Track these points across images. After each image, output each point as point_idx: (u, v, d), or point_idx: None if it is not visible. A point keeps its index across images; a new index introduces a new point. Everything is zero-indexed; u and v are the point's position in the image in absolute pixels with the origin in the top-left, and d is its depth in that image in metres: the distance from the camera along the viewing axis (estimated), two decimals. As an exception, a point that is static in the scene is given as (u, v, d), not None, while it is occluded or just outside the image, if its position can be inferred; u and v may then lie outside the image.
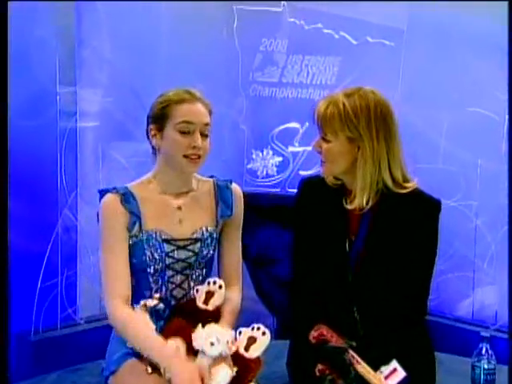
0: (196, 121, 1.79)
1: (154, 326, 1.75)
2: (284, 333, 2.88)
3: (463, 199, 3.08)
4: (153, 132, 1.83)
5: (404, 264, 1.80)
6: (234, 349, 1.71)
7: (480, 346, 1.86)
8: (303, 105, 3.22)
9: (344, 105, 1.76)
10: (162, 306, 1.80)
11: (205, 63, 3.19)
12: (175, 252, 1.85)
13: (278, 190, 3.33)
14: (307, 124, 3.24)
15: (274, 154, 3.34)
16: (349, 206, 1.83)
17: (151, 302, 1.79)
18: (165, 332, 1.75)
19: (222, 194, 1.91)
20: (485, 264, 3.04)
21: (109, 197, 1.82)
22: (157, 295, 1.82)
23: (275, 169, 3.34)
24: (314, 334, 1.75)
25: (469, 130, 3.00)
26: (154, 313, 1.79)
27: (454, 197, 3.07)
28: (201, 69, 3.18)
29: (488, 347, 1.87)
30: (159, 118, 1.81)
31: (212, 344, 1.68)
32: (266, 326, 1.78)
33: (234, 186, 1.94)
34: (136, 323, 1.74)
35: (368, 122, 1.76)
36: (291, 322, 1.92)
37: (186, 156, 1.79)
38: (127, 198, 1.82)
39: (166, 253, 1.84)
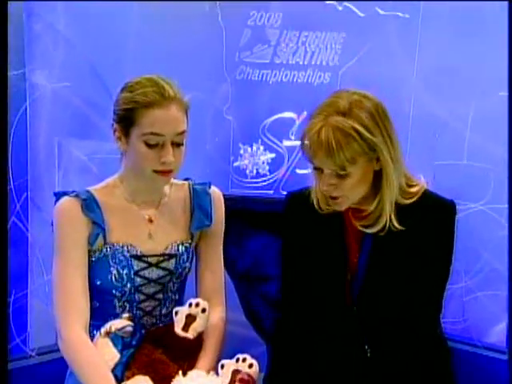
0: (166, 132, 1.75)
1: (115, 360, 1.73)
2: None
3: (492, 202, 3.07)
4: (117, 133, 1.81)
5: (419, 282, 1.81)
6: None
7: (514, 377, 1.86)
8: (300, 90, 3.20)
9: (352, 126, 1.75)
10: (130, 328, 1.79)
11: (182, 42, 3.17)
12: (146, 271, 1.84)
13: (270, 192, 3.32)
14: (305, 113, 3.22)
15: (265, 150, 3.32)
16: (370, 230, 1.83)
17: (118, 324, 1.78)
18: (134, 363, 1.73)
19: (199, 201, 1.91)
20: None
21: (67, 201, 1.80)
22: (126, 315, 1.81)
23: (267, 167, 3.32)
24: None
25: (499, 120, 2.99)
26: (119, 339, 1.77)
27: (482, 199, 3.07)
28: (178, 48, 3.16)
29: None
30: (123, 120, 1.78)
31: None
32: (256, 356, 1.77)
33: (213, 190, 1.94)
34: (92, 357, 1.72)
35: (380, 131, 1.79)
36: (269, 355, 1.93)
37: (156, 171, 1.78)
38: (89, 204, 1.80)
39: (136, 271, 1.83)
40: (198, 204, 1.91)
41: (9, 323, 2.89)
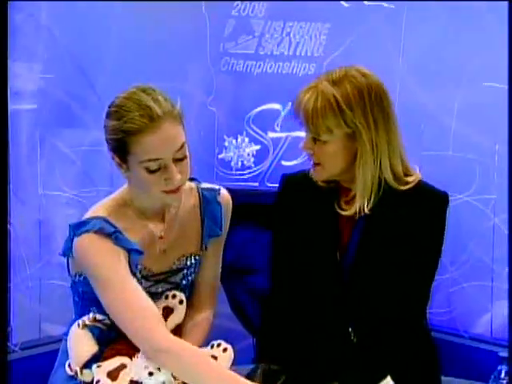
0: (164, 154, 1.69)
1: (92, 351, 1.73)
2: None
3: (478, 193, 3.09)
4: (116, 160, 1.75)
5: (407, 271, 1.83)
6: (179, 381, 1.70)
7: (499, 368, 1.87)
8: (285, 81, 3.21)
9: (335, 97, 1.77)
10: (108, 321, 1.79)
11: (165, 32, 3.17)
12: (153, 287, 1.83)
13: (255, 184, 3.32)
14: (290, 104, 3.23)
15: (250, 142, 3.33)
16: (345, 212, 1.84)
17: (97, 316, 1.79)
18: (107, 352, 1.74)
19: (209, 209, 1.87)
20: (506, 270, 3.06)
21: (90, 237, 1.73)
22: (91, 314, 1.80)
23: (252, 159, 3.33)
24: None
25: (485, 110, 3.01)
26: (98, 331, 1.78)
27: (468, 190, 3.09)
28: (160, 39, 3.16)
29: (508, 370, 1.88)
30: (118, 150, 1.73)
31: (151, 374, 1.66)
32: (243, 349, 1.78)
33: (223, 196, 1.90)
34: (199, 358, 1.68)
35: (365, 112, 1.79)
36: (257, 343, 1.94)
37: (164, 191, 1.74)
38: (118, 237, 1.75)
39: (143, 289, 1.82)
40: (209, 213, 1.88)
41: (7, 319, 2.88)
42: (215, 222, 1.88)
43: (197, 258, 1.88)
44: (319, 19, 3.24)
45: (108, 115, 1.75)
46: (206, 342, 1.87)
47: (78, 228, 1.75)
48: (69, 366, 1.77)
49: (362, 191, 1.81)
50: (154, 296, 1.83)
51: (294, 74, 3.24)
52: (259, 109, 3.30)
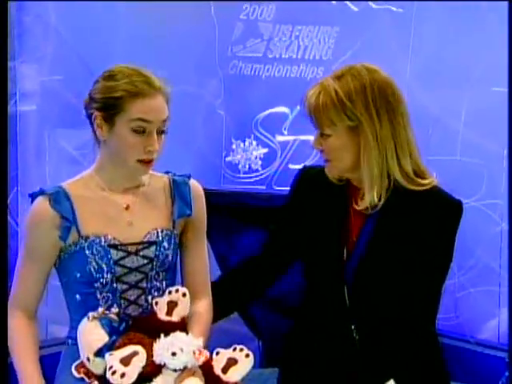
0: (154, 119, 1.80)
1: (104, 341, 1.76)
2: (271, 359, 2.88)
3: (486, 198, 3.10)
4: (98, 121, 1.82)
5: (415, 276, 1.83)
6: (202, 359, 1.72)
7: (506, 374, 1.88)
8: (293, 85, 3.21)
9: (335, 90, 1.79)
10: (114, 317, 1.81)
11: (173, 35, 3.18)
12: (126, 259, 1.86)
13: (263, 187, 3.33)
14: (298, 108, 3.24)
15: (258, 145, 3.34)
16: (359, 207, 1.85)
17: (105, 310, 1.81)
18: (118, 342, 1.75)
19: (179, 191, 1.94)
20: (512, 275, 3.06)
21: (38, 201, 1.84)
22: (100, 309, 1.83)
23: (260, 162, 3.34)
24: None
25: (493, 115, 3.02)
26: (108, 322, 1.80)
27: (475, 195, 3.09)
28: (168, 42, 3.17)
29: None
30: (108, 108, 1.80)
31: (174, 354, 1.69)
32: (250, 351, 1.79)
33: (193, 182, 1.98)
34: (19, 336, 1.84)
35: (366, 104, 1.80)
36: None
37: (139, 160, 1.82)
38: (57, 198, 1.83)
39: (115, 260, 1.85)
40: (179, 193, 1.94)
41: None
42: (185, 201, 1.93)
43: (168, 232, 1.90)
44: (328, 23, 3.25)
45: (103, 78, 1.83)
46: (209, 334, 1.89)
47: (34, 195, 1.86)
48: (75, 368, 1.79)
49: (369, 183, 1.82)
50: (135, 272, 1.87)
51: (302, 78, 3.25)
52: (267, 112, 3.31)
